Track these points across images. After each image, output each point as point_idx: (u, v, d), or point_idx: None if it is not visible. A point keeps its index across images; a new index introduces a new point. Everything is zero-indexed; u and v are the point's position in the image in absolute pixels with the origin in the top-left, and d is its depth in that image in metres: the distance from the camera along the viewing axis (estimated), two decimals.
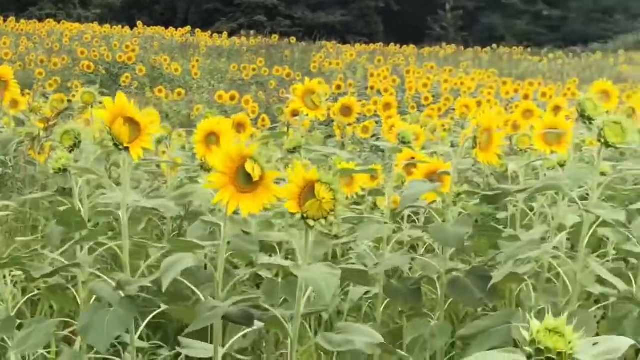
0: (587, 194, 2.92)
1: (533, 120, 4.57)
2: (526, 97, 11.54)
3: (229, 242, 2.42)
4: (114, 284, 2.53)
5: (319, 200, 2.12)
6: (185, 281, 2.56)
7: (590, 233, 2.84)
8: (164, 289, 2.24)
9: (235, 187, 2.22)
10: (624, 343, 1.32)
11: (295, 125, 4.24)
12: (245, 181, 2.22)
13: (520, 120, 5.07)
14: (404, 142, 3.44)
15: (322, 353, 3.27)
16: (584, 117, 2.70)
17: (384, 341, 2.28)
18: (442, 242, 3.02)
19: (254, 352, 3.64)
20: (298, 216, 2.15)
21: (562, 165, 3.49)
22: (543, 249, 2.67)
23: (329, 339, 2.27)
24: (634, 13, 55.20)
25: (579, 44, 46.52)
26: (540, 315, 2.61)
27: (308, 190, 2.13)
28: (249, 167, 2.17)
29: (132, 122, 2.44)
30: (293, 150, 3.57)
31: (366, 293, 3.57)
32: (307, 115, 3.64)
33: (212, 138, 2.91)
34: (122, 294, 2.47)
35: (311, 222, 2.14)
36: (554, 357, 1.27)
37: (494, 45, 38.86)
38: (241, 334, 2.57)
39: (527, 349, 1.29)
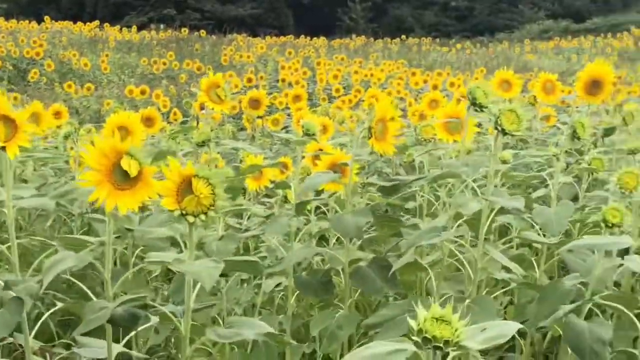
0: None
1: (439, 110, 4.61)
2: (435, 87, 11.64)
3: (118, 237, 2.37)
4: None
5: (197, 195, 2.09)
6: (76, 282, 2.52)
7: (491, 220, 2.87)
8: (42, 290, 2.19)
9: (112, 184, 2.15)
10: (511, 328, 1.34)
11: (206, 119, 4.20)
12: (123, 178, 2.15)
13: (426, 111, 5.11)
14: (308, 134, 3.43)
15: (235, 347, 3.25)
16: (475, 105, 2.74)
17: (273, 331, 2.28)
18: (341, 233, 3.02)
19: (166, 349, 3.61)
20: (177, 213, 2.11)
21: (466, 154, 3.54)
22: (443, 236, 2.70)
23: (218, 333, 2.26)
24: (537, 3, 56.79)
25: (486, 34, 47.64)
26: (444, 303, 2.65)
27: (186, 186, 2.10)
28: (124, 163, 2.10)
29: (7, 120, 2.35)
30: (202, 144, 3.53)
31: (279, 285, 3.57)
32: (213, 109, 3.61)
33: (122, 132, 2.85)
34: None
35: (191, 218, 2.11)
36: (440, 345, 1.28)
37: (403, 36, 39.34)
38: (137, 330, 2.52)
39: (415, 338, 1.30)
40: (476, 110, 2.76)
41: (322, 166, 3.29)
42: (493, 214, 2.83)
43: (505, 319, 3.37)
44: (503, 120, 2.61)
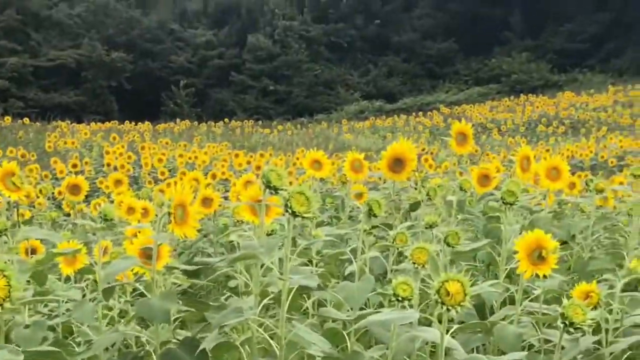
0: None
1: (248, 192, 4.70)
2: (258, 168, 11.81)
3: None
4: None
5: None
6: None
7: (308, 295, 2.96)
8: None
9: None
10: None
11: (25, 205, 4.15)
12: None
13: (242, 192, 5.20)
14: (106, 219, 3.51)
15: None
16: (270, 188, 2.84)
17: None
18: (148, 317, 3.00)
19: None
20: None
21: (269, 234, 3.68)
22: (245, 315, 2.78)
23: None
24: (352, 85, 59.30)
25: (305, 116, 48.92)
26: None
27: None
28: None
29: None
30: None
31: None
32: (10, 196, 3.60)
33: None
34: None
35: None
36: None
37: (226, 120, 39.85)
38: None
39: None
40: (271, 193, 2.85)
41: (133, 250, 3.31)
42: (293, 291, 2.91)
43: None
44: (293, 202, 2.71)
